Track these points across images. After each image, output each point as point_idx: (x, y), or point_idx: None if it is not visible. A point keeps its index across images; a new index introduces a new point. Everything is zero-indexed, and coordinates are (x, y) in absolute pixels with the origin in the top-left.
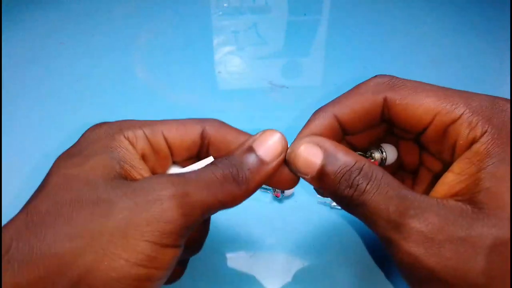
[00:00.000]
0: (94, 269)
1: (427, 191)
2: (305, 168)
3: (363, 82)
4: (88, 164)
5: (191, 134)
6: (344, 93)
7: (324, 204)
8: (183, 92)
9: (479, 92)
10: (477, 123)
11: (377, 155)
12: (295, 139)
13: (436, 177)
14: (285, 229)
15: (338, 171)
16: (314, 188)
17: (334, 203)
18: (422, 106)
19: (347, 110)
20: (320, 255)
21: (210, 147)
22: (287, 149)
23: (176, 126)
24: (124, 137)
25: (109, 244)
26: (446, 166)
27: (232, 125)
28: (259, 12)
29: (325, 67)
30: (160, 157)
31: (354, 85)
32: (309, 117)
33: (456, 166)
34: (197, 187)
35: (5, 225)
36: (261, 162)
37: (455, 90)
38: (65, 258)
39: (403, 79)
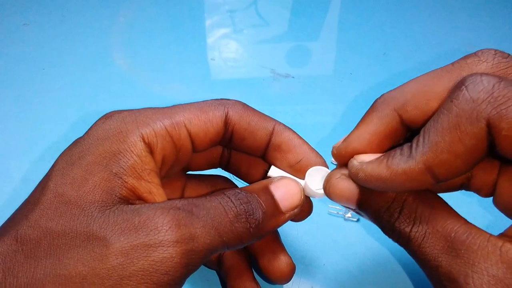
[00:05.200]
0: None
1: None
2: (344, 203)
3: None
4: (87, 185)
5: (215, 124)
6: (417, 79)
7: (337, 214)
8: (170, 82)
9: None
10: None
11: None
12: (343, 139)
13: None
14: (295, 242)
15: (376, 210)
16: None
17: (348, 214)
18: None
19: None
20: (333, 271)
21: (234, 134)
22: (301, 204)
23: (198, 114)
24: (141, 137)
25: None
26: None
27: None
28: None
29: (338, 52)
30: (182, 153)
31: (371, 76)
32: (318, 112)
33: None
34: (205, 227)
35: None
36: (277, 208)
37: None
38: None
39: None
